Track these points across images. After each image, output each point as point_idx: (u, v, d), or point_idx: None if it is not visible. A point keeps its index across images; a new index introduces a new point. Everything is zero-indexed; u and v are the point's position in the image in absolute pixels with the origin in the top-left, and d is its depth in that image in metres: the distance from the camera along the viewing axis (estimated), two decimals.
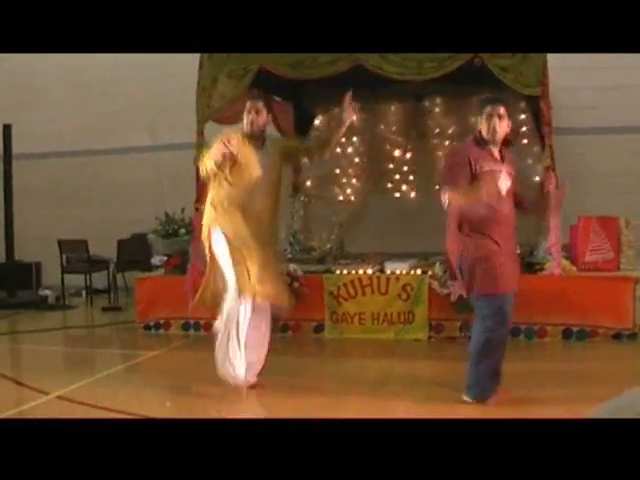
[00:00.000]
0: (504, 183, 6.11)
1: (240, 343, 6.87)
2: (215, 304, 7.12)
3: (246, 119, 7.04)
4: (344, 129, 7.39)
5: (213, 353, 7.15)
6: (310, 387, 7.14)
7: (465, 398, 6.23)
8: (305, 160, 8.05)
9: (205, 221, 7.08)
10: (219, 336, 6.94)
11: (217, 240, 6.93)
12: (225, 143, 6.60)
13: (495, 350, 6.16)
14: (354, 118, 7.54)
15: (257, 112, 7.03)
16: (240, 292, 6.77)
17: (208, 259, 7.20)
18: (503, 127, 6.15)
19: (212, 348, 7.26)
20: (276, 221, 7.30)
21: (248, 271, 6.76)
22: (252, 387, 7.04)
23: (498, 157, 6.18)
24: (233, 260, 6.81)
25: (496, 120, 6.11)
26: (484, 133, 6.15)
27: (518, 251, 9.38)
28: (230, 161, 6.71)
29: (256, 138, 7.04)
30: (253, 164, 6.92)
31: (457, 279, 6.53)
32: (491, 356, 6.16)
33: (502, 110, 6.14)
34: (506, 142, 6.29)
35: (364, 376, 7.69)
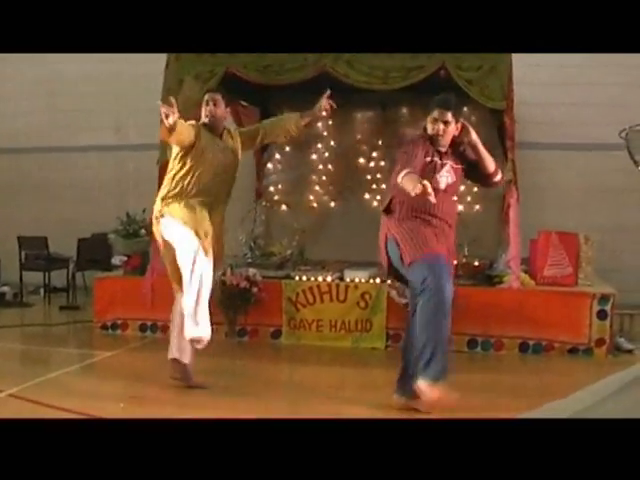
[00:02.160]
0: (445, 177, 6.17)
1: (205, 300, 6.94)
2: None
3: (204, 110, 7.16)
4: (310, 119, 7.54)
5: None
6: (264, 391, 7.14)
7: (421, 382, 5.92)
8: (265, 140, 8.09)
9: (154, 214, 7.16)
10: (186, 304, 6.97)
11: (168, 225, 7.03)
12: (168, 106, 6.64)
13: (445, 316, 5.88)
14: (324, 113, 7.57)
15: (215, 103, 7.15)
16: (197, 250, 6.86)
17: (163, 251, 7.24)
18: (449, 132, 6.17)
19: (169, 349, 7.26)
20: (225, 207, 7.39)
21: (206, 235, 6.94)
22: (193, 386, 7.11)
23: (444, 151, 6.24)
24: (190, 230, 6.91)
25: (440, 125, 6.15)
26: (429, 132, 6.20)
27: (476, 263, 9.52)
28: (173, 133, 6.75)
29: (214, 129, 7.15)
30: (210, 153, 7.01)
31: (382, 260, 6.46)
32: (443, 323, 5.88)
33: (449, 117, 6.17)
34: (453, 144, 6.31)
35: (319, 382, 7.67)
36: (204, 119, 7.13)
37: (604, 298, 8.76)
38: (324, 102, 7.43)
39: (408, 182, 5.70)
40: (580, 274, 9.21)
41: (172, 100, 6.56)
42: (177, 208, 6.97)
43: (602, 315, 8.72)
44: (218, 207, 7.20)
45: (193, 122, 7.06)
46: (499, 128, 9.93)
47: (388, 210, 6.30)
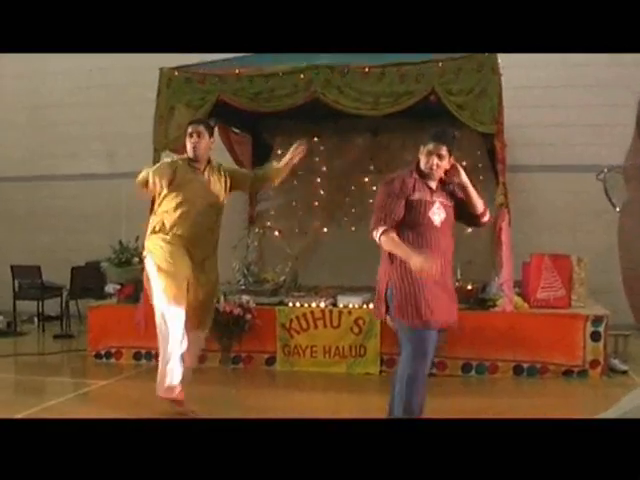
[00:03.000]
0: (438, 214, 6.12)
1: (173, 352, 7.00)
2: None
3: (188, 143, 7.15)
4: (288, 169, 7.56)
5: None
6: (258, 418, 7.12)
7: None
8: (255, 188, 8.24)
9: (145, 249, 7.25)
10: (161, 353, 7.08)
11: (149, 267, 7.14)
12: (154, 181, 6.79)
13: (420, 386, 5.95)
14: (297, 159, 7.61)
15: (199, 135, 7.15)
16: (168, 301, 6.94)
17: (146, 285, 7.34)
18: (442, 166, 6.11)
19: None
20: (214, 243, 7.48)
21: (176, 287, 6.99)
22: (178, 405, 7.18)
23: (434, 188, 6.15)
24: (161, 279, 6.99)
25: (435, 159, 6.03)
26: (422, 166, 6.15)
27: (469, 287, 9.51)
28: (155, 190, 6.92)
29: (199, 161, 7.16)
30: (190, 189, 7.04)
31: (379, 305, 6.47)
32: (416, 393, 5.94)
33: (444, 151, 6.06)
34: (442, 181, 6.26)
35: (315, 408, 7.67)
36: (189, 152, 7.16)
37: (597, 320, 8.77)
38: (293, 152, 7.48)
39: (394, 247, 5.88)
40: (573, 296, 9.21)
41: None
42: (159, 250, 7.06)
43: (596, 337, 8.74)
44: (203, 245, 7.23)
45: (169, 160, 7.15)
46: (490, 151, 9.96)
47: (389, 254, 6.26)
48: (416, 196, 6.00)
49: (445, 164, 6.09)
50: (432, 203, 6.05)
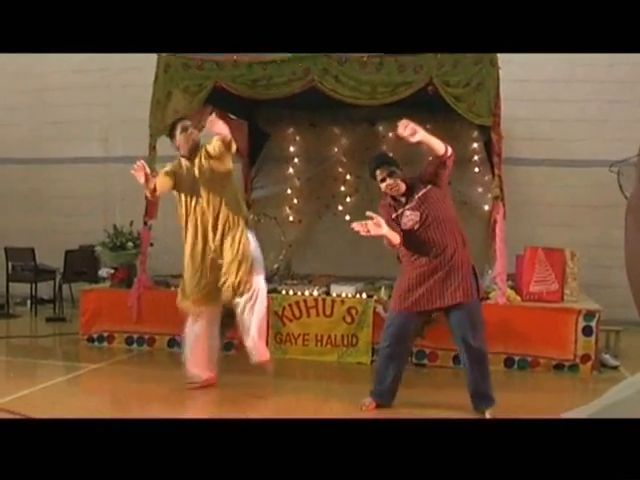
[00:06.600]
0: (409, 220, 6.47)
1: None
2: None
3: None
4: None
5: (155, 369, 7.17)
6: (249, 406, 7.13)
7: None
8: None
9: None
10: None
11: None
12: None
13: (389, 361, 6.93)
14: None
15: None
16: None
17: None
18: (395, 182, 6.52)
19: (155, 363, 7.27)
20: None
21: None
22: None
23: (404, 200, 6.55)
24: None
25: (385, 183, 6.54)
26: (387, 192, 6.63)
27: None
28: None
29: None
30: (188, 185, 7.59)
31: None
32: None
33: (385, 172, 6.55)
34: (408, 189, 6.53)
35: (305, 396, 7.69)
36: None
37: (589, 314, 8.78)
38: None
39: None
40: (566, 290, 9.23)
41: (141, 163, 6.78)
42: None
43: (587, 331, 8.74)
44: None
45: (168, 169, 7.26)
46: (486, 144, 9.96)
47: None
48: (393, 217, 6.51)
49: (395, 179, 6.36)
50: (401, 215, 6.41)
